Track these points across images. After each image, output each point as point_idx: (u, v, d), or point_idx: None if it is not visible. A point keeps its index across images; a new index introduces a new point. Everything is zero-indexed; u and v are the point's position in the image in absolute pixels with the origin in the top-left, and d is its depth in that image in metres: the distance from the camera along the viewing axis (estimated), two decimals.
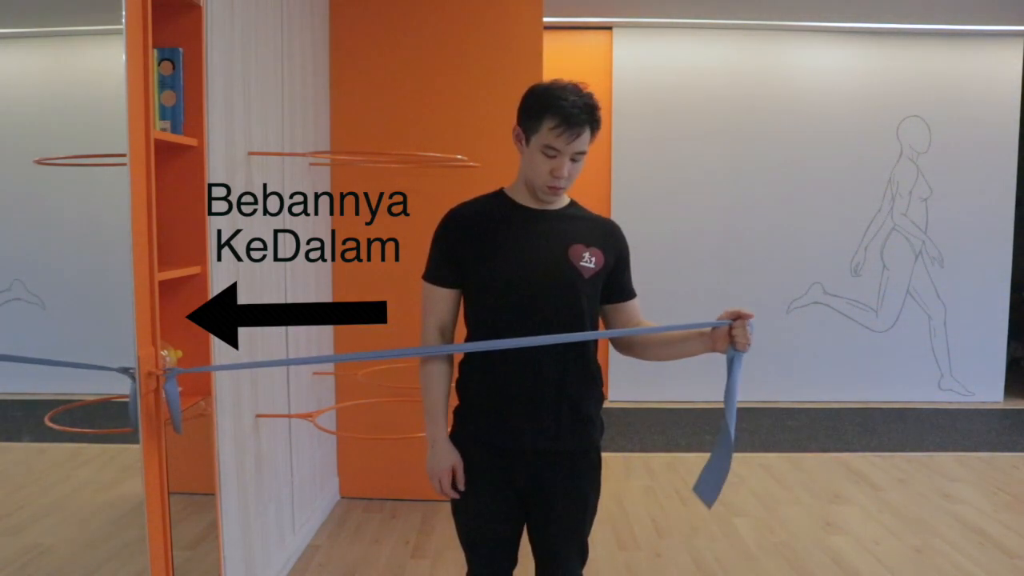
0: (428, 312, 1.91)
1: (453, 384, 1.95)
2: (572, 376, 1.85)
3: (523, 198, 1.88)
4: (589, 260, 1.83)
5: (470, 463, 1.90)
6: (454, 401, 1.95)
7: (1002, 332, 6.00)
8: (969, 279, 5.95)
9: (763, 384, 5.88)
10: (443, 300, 1.89)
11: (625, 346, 1.96)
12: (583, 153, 1.78)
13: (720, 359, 1.80)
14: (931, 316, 5.99)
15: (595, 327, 1.90)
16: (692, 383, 5.83)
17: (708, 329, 1.78)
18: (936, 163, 5.86)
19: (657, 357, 1.92)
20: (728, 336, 1.74)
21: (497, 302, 1.83)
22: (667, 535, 3.49)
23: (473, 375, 1.90)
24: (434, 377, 1.89)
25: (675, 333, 1.86)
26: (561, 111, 1.73)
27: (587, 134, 1.76)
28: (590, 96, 1.77)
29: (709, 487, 1.84)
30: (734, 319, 1.73)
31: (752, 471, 4.36)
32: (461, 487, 1.88)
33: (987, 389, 6.02)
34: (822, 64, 5.81)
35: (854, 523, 3.63)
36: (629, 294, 1.95)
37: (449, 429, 1.94)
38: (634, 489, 4.06)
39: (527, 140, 1.81)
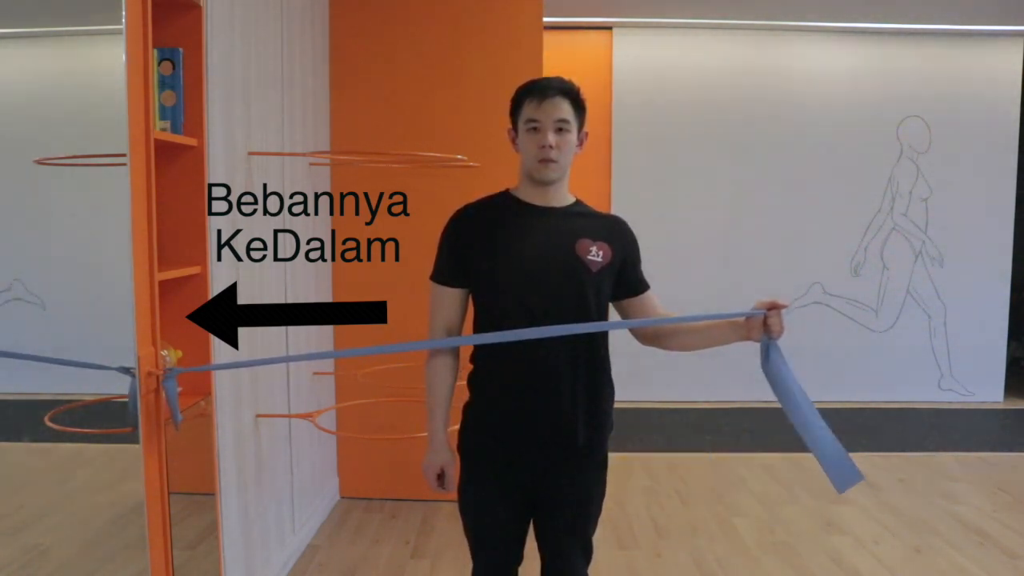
0: (435, 313, 1.93)
1: (464, 380, 1.96)
2: (584, 372, 1.86)
3: (528, 196, 1.89)
4: (596, 254, 1.85)
5: (479, 458, 1.92)
6: (465, 396, 1.96)
7: (1002, 332, 6.00)
8: (969, 279, 5.95)
9: (763, 384, 5.86)
10: (450, 300, 1.91)
11: (650, 337, 1.95)
12: (566, 121, 1.81)
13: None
14: (931, 316, 5.99)
15: (604, 321, 1.91)
16: (692, 383, 5.83)
17: (741, 319, 1.77)
18: (936, 163, 5.86)
19: (683, 346, 1.91)
20: (763, 325, 1.74)
21: (504, 298, 1.84)
22: (667, 535, 3.49)
23: (484, 371, 1.91)
24: (438, 375, 1.92)
25: (706, 322, 1.85)
26: (533, 87, 1.84)
27: (565, 105, 1.81)
28: (565, 79, 1.85)
29: (840, 474, 1.78)
30: (769, 309, 1.73)
31: (752, 471, 4.35)
32: (449, 487, 1.92)
33: (987, 389, 6.01)
34: (822, 64, 5.81)
35: (854, 523, 3.63)
36: (643, 286, 1.96)
37: (459, 425, 1.96)
38: (634, 489, 4.06)
39: (516, 130, 1.87)
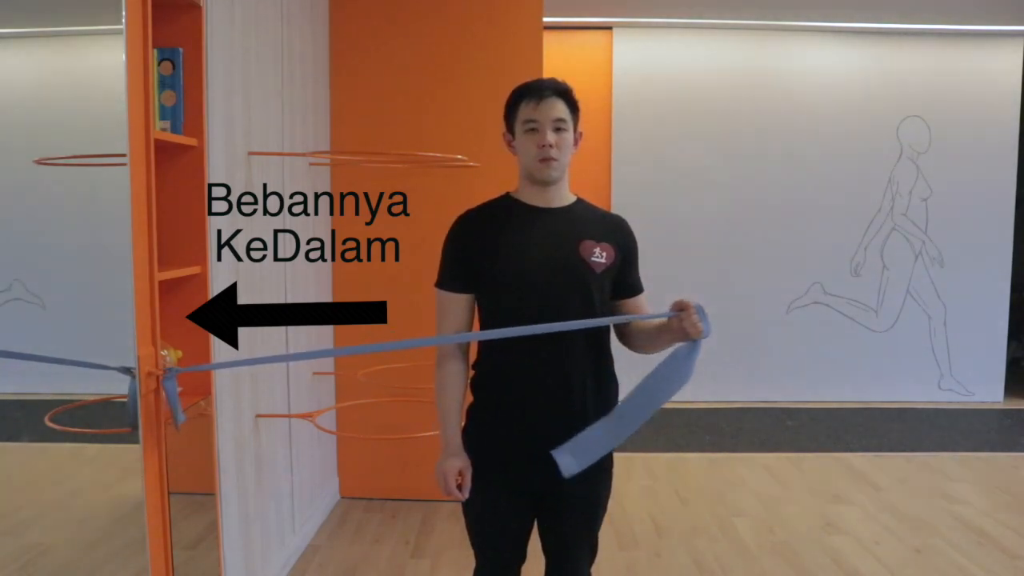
0: (442, 320, 1.91)
1: (468, 384, 1.95)
2: (591, 372, 1.86)
3: (529, 197, 1.90)
4: (600, 255, 1.85)
5: (484, 458, 1.91)
6: (469, 399, 1.96)
7: (1002, 332, 5.99)
8: (969, 279, 5.94)
9: (763, 384, 5.88)
10: (457, 307, 1.90)
11: (622, 337, 1.97)
12: (562, 120, 1.83)
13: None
14: (931, 316, 5.99)
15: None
16: (692, 383, 5.79)
17: (669, 322, 1.77)
18: (936, 163, 5.86)
19: (643, 350, 1.92)
20: (681, 326, 1.74)
21: (509, 301, 1.84)
22: (667, 535, 3.49)
23: (489, 374, 1.91)
24: (448, 381, 1.90)
25: (649, 326, 1.87)
26: (528, 89, 1.85)
27: (560, 105, 1.83)
28: (557, 79, 1.87)
29: (576, 453, 1.74)
30: (679, 310, 1.73)
31: (752, 471, 4.35)
32: (465, 494, 1.89)
33: (987, 389, 6.01)
34: (822, 64, 5.81)
35: (854, 523, 3.63)
36: (637, 289, 1.96)
37: (463, 425, 1.95)
38: (634, 489, 4.06)
39: (512, 132, 1.88)
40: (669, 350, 1.81)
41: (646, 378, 1.76)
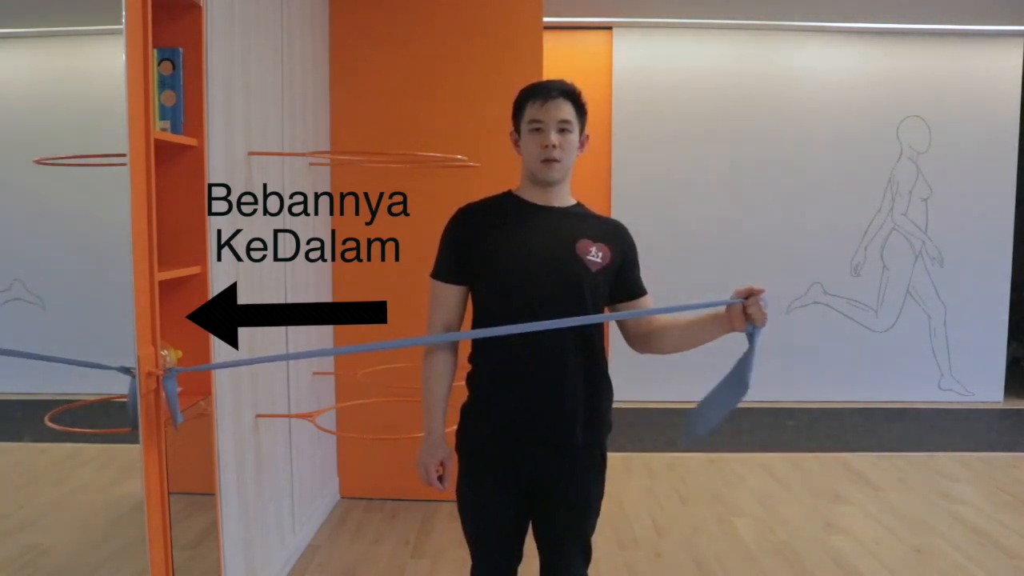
0: (434, 310, 1.93)
1: (462, 381, 1.96)
2: (582, 371, 1.86)
3: (530, 195, 1.91)
4: (596, 255, 1.86)
5: (477, 458, 1.92)
6: (463, 396, 1.96)
7: (1002, 332, 6.00)
8: (969, 279, 5.95)
9: (763, 384, 5.84)
10: (450, 298, 1.92)
11: (642, 341, 1.92)
12: (568, 122, 1.83)
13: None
14: (931, 316, 5.99)
15: (601, 323, 1.91)
16: (692, 383, 5.81)
17: (723, 311, 1.73)
18: (936, 163, 5.86)
19: (675, 346, 1.88)
20: (744, 314, 1.70)
21: (502, 296, 1.85)
22: (667, 535, 3.49)
23: (482, 370, 1.91)
24: (436, 371, 1.92)
25: (690, 319, 1.82)
26: (536, 89, 1.86)
27: (567, 106, 1.84)
28: (566, 81, 1.88)
29: (702, 419, 1.79)
30: (746, 296, 1.69)
31: (752, 471, 4.35)
32: (446, 485, 1.91)
33: (987, 389, 6.01)
34: (822, 64, 5.81)
35: (854, 523, 3.63)
36: (640, 291, 1.96)
37: (456, 425, 1.96)
38: (634, 489, 4.06)
39: (519, 131, 1.89)
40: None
41: (717, 388, 1.79)
